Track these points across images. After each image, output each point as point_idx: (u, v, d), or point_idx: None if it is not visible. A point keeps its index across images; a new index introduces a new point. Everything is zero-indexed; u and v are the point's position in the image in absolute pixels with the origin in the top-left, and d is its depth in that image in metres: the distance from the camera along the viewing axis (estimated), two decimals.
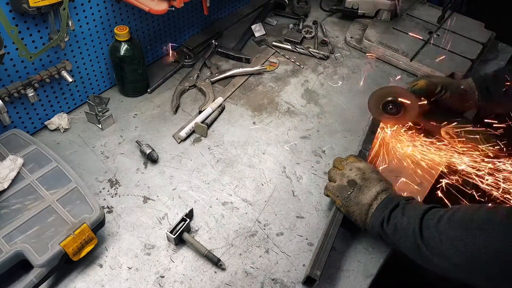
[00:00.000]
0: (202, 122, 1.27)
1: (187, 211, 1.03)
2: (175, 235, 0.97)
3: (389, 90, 1.19)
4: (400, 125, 1.24)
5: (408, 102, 1.16)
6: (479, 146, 1.13)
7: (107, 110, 1.25)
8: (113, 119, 1.27)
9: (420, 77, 1.24)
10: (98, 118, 1.23)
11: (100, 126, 1.24)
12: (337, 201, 1.01)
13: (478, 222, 0.77)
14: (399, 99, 1.17)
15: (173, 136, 1.25)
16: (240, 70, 1.48)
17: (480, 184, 1.11)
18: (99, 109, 1.24)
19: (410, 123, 1.24)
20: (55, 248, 0.85)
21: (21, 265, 0.87)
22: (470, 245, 0.77)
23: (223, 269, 0.96)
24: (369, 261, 1.00)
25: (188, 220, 1.00)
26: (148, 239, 1.00)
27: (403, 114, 1.18)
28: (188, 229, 1.01)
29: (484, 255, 0.75)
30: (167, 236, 0.99)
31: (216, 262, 0.96)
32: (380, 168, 1.19)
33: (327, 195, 1.04)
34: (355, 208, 0.98)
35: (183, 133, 1.24)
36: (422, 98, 1.19)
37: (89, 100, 1.22)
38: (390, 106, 1.18)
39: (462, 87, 1.21)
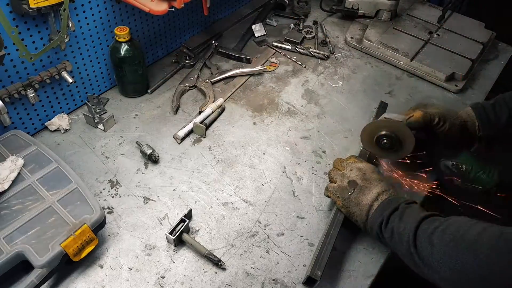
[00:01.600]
0: (201, 122, 1.27)
1: (186, 211, 1.03)
2: (175, 236, 0.97)
3: (382, 124, 1.10)
4: (396, 160, 1.15)
5: (404, 136, 1.07)
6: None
7: (105, 112, 1.25)
8: (114, 120, 1.27)
9: (416, 106, 1.15)
10: (96, 121, 1.23)
11: (102, 127, 1.24)
12: (338, 201, 1.00)
13: (468, 241, 0.77)
14: (394, 132, 1.07)
15: (173, 137, 1.25)
16: (240, 70, 1.48)
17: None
18: (97, 110, 1.24)
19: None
20: (55, 249, 0.85)
21: (21, 266, 0.87)
22: (458, 263, 0.77)
23: (224, 269, 0.96)
24: (370, 262, 1.00)
25: (187, 220, 1.00)
26: (149, 240, 1.00)
27: (399, 149, 1.09)
28: (187, 230, 1.01)
29: (470, 275, 0.75)
30: (166, 238, 0.99)
31: (216, 262, 0.96)
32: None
33: (328, 196, 1.04)
34: (356, 209, 0.97)
35: (180, 133, 1.24)
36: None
37: (88, 101, 1.22)
38: (384, 140, 1.08)
39: (461, 117, 1.12)
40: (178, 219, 1.00)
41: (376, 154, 1.15)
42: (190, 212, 1.04)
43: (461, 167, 1.11)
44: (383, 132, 1.08)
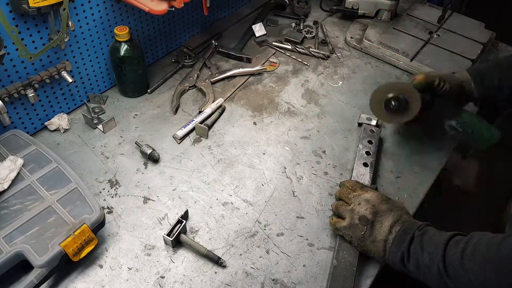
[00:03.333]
0: (202, 122, 1.27)
1: (182, 212, 1.03)
2: (172, 238, 0.97)
3: (390, 87, 1.16)
4: (405, 121, 1.20)
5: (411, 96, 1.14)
6: None
7: (104, 112, 1.24)
8: (115, 122, 1.26)
9: (417, 74, 1.24)
10: (95, 122, 1.23)
11: (101, 129, 1.24)
12: (352, 241, 0.97)
13: (508, 260, 0.75)
14: (401, 94, 1.14)
15: (173, 137, 1.25)
16: (240, 70, 1.48)
17: None
18: (96, 110, 1.24)
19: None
20: (55, 249, 0.85)
21: (21, 265, 0.87)
22: (504, 286, 0.75)
23: (224, 267, 0.96)
24: (370, 262, 1.00)
25: (184, 221, 1.00)
26: (148, 240, 1.00)
27: (407, 109, 1.15)
28: (184, 231, 1.01)
29: None
30: (164, 240, 0.99)
31: (216, 261, 0.96)
32: None
33: (339, 235, 1.00)
34: (372, 246, 0.94)
35: (180, 133, 1.24)
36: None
37: (88, 100, 1.22)
38: (393, 103, 1.14)
39: (459, 79, 1.21)
40: (175, 221, 1.00)
41: (385, 119, 1.21)
42: (186, 212, 1.04)
43: (465, 126, 1.14)
44: (391, 95, 1.14)
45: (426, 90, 1.17)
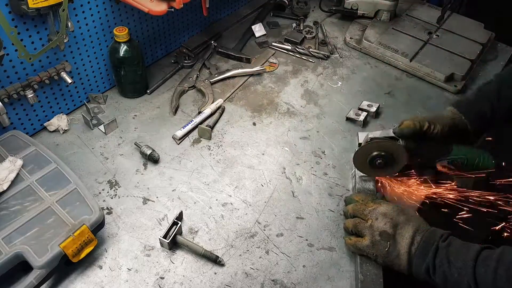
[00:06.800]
0: (202, 123, 1.26)
1: (177, 214, 1.02)
2: (169, 240, 0.96)
3: (371, 146, 1.09)
4: (393, 174, 1.15)
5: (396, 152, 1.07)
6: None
7: (103, 112, 1.24)
8: (117, 123, 1.26)
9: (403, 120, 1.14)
10: (94, 123, 1.23)
11: (103, 130, 1.24)
12: (377, 259, 0.95)
13: None
14: (385, 150, 1.07)
15: (172, 137, 1.25)
16: (240, 70, 1.48)
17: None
18: (95, 111, 1.24)
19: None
20: (54, 250, 0.85)
21: (20, 266, 0.87)
22: None
23: (223, 265, 0.96)
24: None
25: (180, 223, 1.00)
26: (148, 240, 1.00)
27: (393, 163, 1.08)
28: (180, 232, 1.01)
29: None
30: (160, 242, 0.99)
31: (214, 259, 0.96)
32: None
33: (361, 255, 0.98)
34: (396, 260, 0.93)
35: (179, 133, 1.24)
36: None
37: (88, 101, 1.21)
38: (379, 161, 1.07)
39: (447, 117, 1.11)
40: (170, 223, 0.99)
41: (373, 175, 1.14)
42: (181, 214, 1.04)
43: (457, 162, 1.10)
44: (375, 153, 1.07)
45: (412, 136, 1.07)
